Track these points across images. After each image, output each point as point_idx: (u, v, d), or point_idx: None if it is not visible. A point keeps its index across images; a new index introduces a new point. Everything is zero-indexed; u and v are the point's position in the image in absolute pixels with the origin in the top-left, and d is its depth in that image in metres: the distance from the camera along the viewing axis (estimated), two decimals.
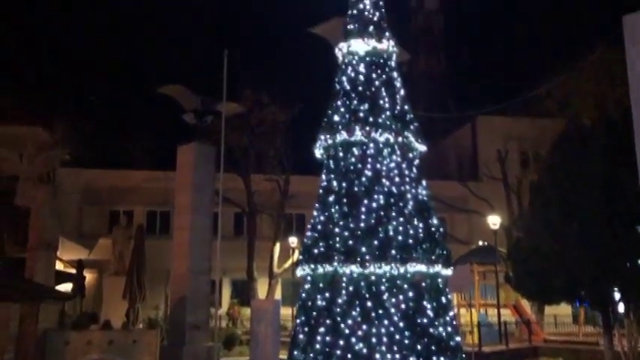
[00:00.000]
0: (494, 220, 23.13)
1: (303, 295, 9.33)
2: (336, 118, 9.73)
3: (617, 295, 14.09)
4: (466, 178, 31.81)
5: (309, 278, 9.25)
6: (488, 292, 25.98)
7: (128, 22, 56.90)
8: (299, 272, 9.38)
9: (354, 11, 10.65)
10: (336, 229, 8.96)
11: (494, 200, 27.35)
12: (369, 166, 9.30)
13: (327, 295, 8.82)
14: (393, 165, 9.34)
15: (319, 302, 8.88)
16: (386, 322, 8.42)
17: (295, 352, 9.01)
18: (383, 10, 10.68)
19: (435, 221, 9.36)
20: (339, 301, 8.66)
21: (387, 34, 10.47)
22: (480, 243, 26.75)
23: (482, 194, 28.69)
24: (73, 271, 18.99)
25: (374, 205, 9.01)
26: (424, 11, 47.12)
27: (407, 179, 9.37)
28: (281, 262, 26.54)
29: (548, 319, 24.32)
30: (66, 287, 18.90)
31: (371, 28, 10.39)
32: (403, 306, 8.56)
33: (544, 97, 25.35)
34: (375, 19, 10.50)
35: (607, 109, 20.12)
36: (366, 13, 10.54)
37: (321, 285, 8.95)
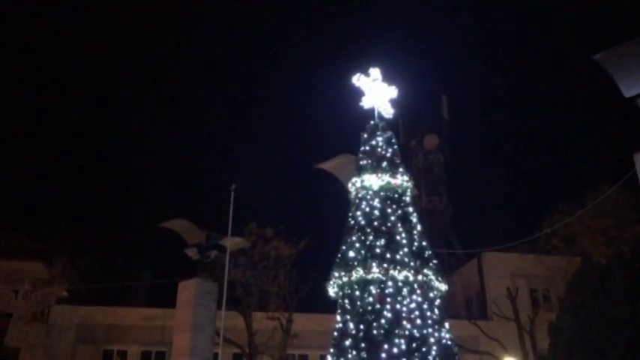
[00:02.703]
0: None
1: None
2: (352, 254, 9.33)
3: None
4: (475, 317, 30.60)
5: None
6: None
7: (131, 157, 58.41)
8: None
9: (367, 147, 10.68)
10: None
11: (506, 340, 26.06)
12: (388, 306, 8.73)
13: None
14: (413, 305, 8.78)
15: None
16: None
17: None
18: (395, 146, 10.71)
19: None
20: None
21: (401, 169, 10.41)
22: None
23: (493, 334, 27.40)
24: None
25: (395, 350, 8.33)
26: (424, 151, 48.32)
27: (429, 321, 8.77)
28: None
29: None
30: None
31: (384, 163, 10.36)
32: None
33: (549, 234, 25.12)
34: (388, 155, 10.52)
35: (618, 248, 19.80)
36: (379, 149, 10.57)
37: None
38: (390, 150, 10.54)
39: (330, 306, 10.66)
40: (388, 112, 11.30)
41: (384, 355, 8.31)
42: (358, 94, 11.41)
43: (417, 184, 13.22)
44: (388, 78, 11.69)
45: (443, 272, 9.42)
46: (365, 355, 8.40)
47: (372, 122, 11.08)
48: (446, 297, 9.88)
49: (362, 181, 10.20)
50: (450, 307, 32.13)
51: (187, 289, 16.58)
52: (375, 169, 10.24)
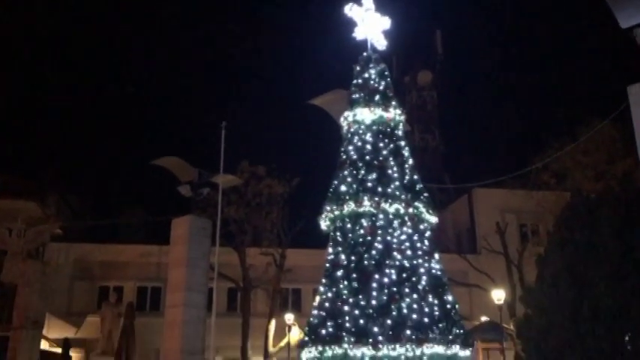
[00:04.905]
0: (498, 295, 22.35)
1: None
2: (343, 188, 9.35)
3: None
4: (465, 251, 31.17)
5: None
6: None
7: (122, 96, 57.61)
8: (304, 355, 8.69)
9: (360, 80, 10.50)
10: (346, 307, 8.38)
11: (495, 274, 26.64)
12: (379, 238, 8.83)
13: None
14: (404, 237, 8.88)
15: None
16: None
17: None
18: (389, 79, 10.55)
19: (450, 298, 8.82)
20: None
21: (394, 102, 10.29)
22: (483, 319, 25.78)
23: (481, 267, 27.97)
24: (59, 350, 18.04)
25: (385, 280, 8.48)
26: (417, 87, 47.99)
27: (419, 252, 8.89)
28: (276, 340, 25.40)
29: None
30: None
31: (377, 97, 10.22)
32: None
33: (540, 170, 25.25)
34: (381, 87, 10.36)
35: (608, 182, 19.96)
36: (372, 82, 10.40)
37: None
38: (382, 83, 10.38)
39: (322, 241, 10.79)
40: (381, 43, 11.07)
41: (374, 284, 8.48)
42: (350, 25, 11.15)
43: (409, 121, 13.13)
44: (381, 8, 11.42)
45: (433, 205, 9.49)
46: (356, 285, 8.56)
47: (364, 54, 10.86)
48: (436, 231, 9.98)
49: (354, 115, 10.09)
50: (441, 243, 32.59)
51: (181, 226, 16.65)
52: (368, 102, 10.11)
